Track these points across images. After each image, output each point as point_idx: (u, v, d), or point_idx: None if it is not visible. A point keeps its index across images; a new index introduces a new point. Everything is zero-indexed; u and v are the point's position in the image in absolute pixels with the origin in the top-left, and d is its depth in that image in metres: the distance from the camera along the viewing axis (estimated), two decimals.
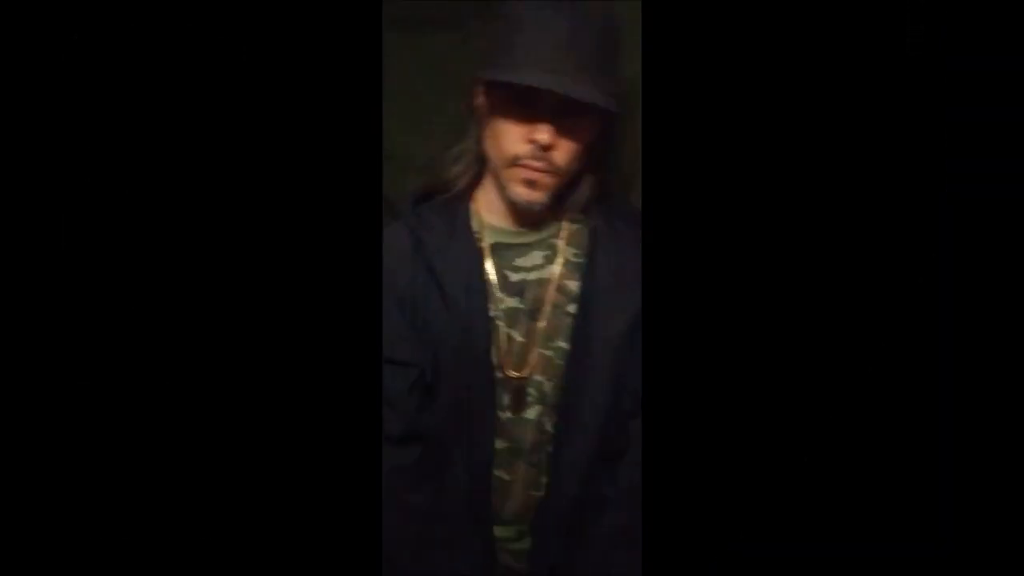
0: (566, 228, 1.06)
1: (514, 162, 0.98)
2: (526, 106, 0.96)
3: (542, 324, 1.03)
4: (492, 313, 1.03)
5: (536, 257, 1.05)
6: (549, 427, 1.04)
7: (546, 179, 0.99)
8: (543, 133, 0.95)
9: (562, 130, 0.96)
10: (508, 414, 1.04)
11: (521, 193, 0.99)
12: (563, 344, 1.03)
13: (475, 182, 1.07)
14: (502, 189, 1.01)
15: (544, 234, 1.06)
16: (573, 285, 1.04)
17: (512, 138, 0.98)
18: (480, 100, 1.02)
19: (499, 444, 1.04)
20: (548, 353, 1.03)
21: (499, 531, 1.05)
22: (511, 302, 1.04)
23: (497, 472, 1.04)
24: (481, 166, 1.05)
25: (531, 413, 1.04)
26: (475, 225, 1.06)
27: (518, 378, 1.03)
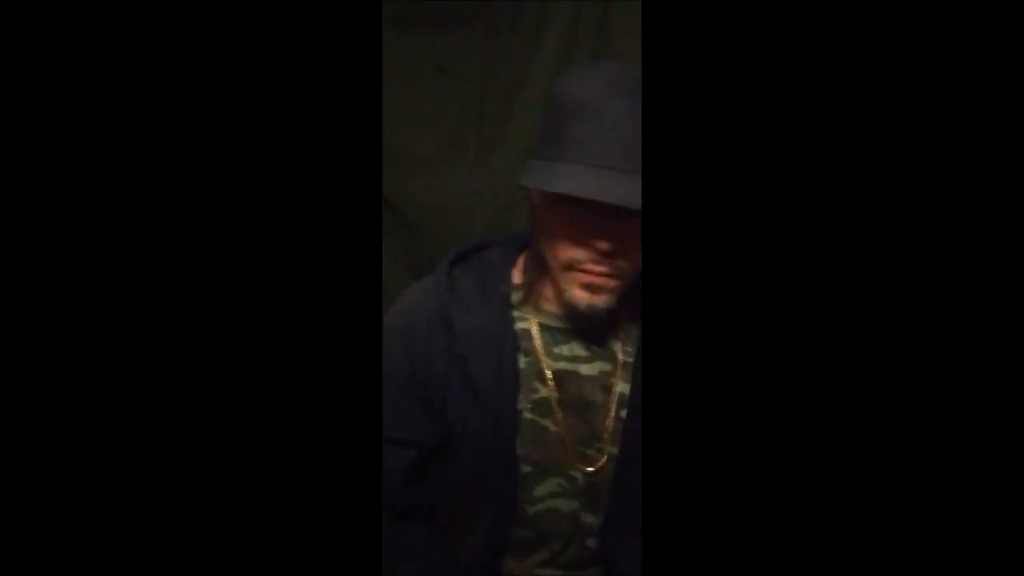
0: (623, 325, 0.96)
1: (572, 267, 0.88)
2: (585, 209, 0.83)
3: (580, 423, 0.94)
4: (521, 405, 0.93)
5: (577, 348, 0.95)
6: (588, 519, 0.96)
7: (610, 283, 0.88)
8: (605, 241, 0.85)
9: (628, 233, 0.85)
10: (540, 506, 0.96)
11: (581, 297, 0.89)
12: (609, 448, 0.95)
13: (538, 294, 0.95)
14: (559, 292, 0.91)
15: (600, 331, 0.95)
16: (621, 385, 0.95)
17: (569, 242, 0.87)
18: (534, 196, 0.91)
19: (520, 533, 0.96)
20: (591, 452, 0.95)
21: None
22: (544, 392, 0.94)
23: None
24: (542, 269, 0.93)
25: (569, 505, 0.96)
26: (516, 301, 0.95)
27: (590, 473, 0.94)
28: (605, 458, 0.94)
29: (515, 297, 0.95)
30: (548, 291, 0.95)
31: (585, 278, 0.88)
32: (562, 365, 0.95)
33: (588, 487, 0.95)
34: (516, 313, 0.95)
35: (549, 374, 0.94)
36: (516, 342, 0.94)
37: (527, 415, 0.94)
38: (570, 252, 0.87)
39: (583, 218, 0.85)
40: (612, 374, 0.95)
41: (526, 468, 0.94)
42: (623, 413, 0.94)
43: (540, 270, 0.94)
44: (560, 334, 0.95)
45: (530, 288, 0.95)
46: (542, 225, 0.90)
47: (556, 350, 0.95)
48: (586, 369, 0.95)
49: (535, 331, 0.95)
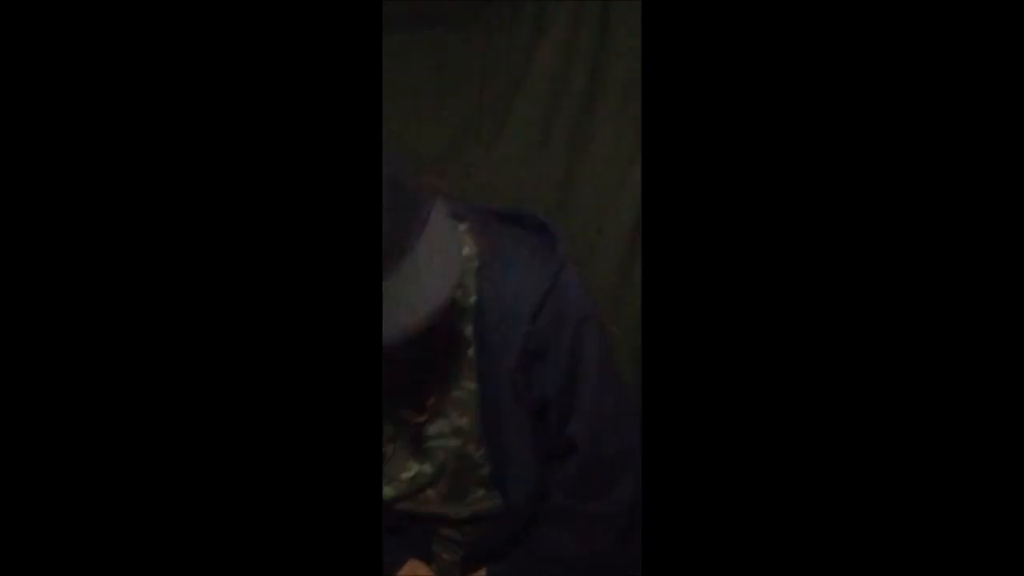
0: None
1: None
2: None
3: (443, 369, 1.04)
4: None
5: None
6: (473, 452, 1.05)
7: None
8: None
9: None
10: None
11: None
12: (471, 384, 1.04)
13: None
14: None
15: None
16: (467, 330, 1.03)
17: None
18: None
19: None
20: (458, 394, 1.04)
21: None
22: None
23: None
24: None
25: (442, 442, 1.06)
26: None
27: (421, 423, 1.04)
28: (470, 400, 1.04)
29: None
30: None
31: None
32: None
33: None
34: None
35: None
36: None
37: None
38: None
39: None
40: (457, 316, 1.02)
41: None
42: (468, 352, 1.03)
43: None
44: None
45: None
46: None
47: None
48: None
49: None
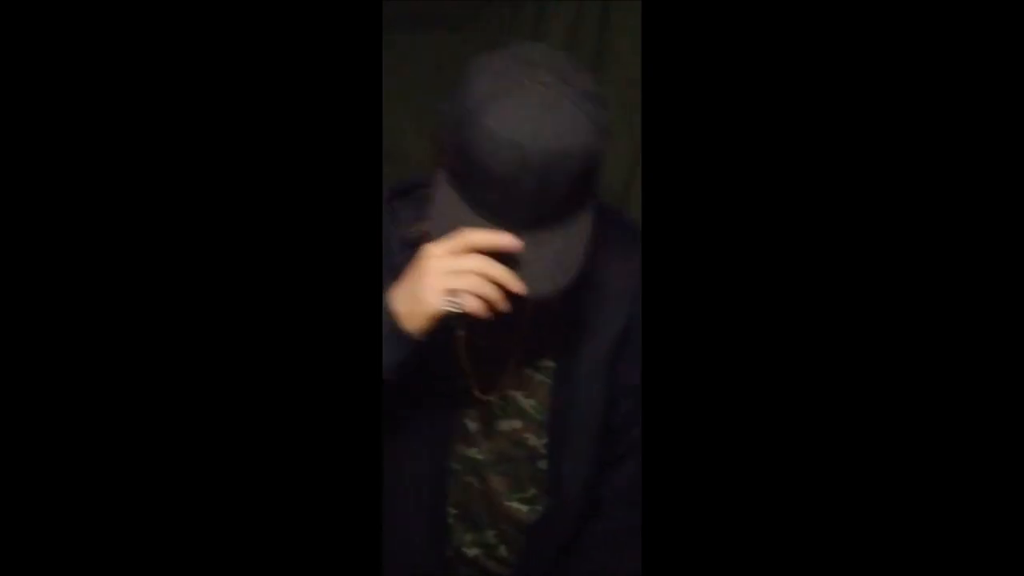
0: (533, 378, 0.99)
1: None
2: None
3: (516, 339, 0.98)
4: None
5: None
6: (533, 442, 1.01)
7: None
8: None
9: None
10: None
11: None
12: (549, 362, 0.99)
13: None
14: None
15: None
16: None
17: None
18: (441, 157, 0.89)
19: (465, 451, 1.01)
20: (529, 371, 0.99)
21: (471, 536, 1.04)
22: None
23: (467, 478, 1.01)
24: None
25: (504, 426, 1.00)
26: None
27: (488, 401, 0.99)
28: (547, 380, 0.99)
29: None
30: None
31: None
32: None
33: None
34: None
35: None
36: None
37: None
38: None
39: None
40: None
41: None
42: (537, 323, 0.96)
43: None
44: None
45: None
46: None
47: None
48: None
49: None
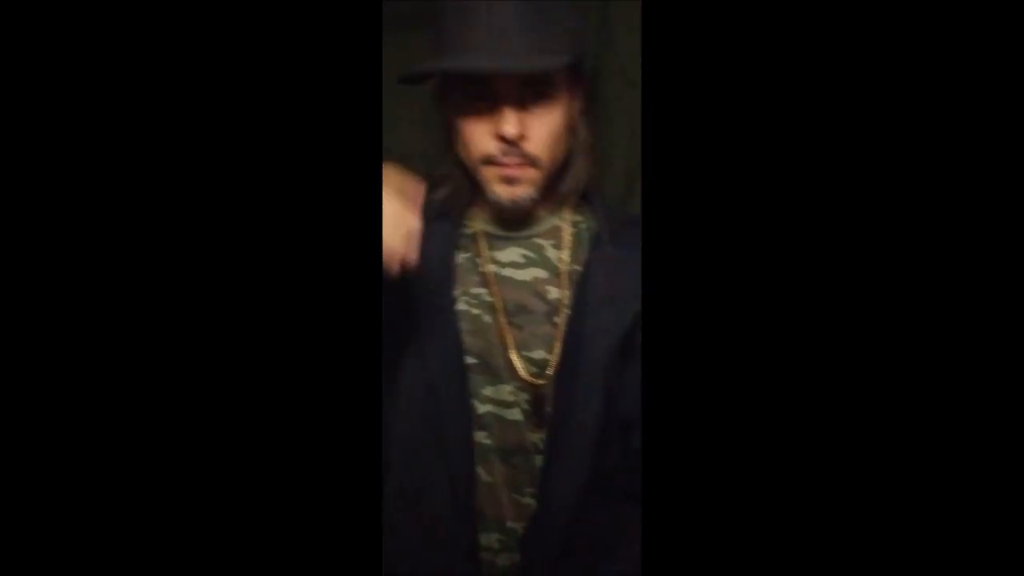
0: (563, 230, 1.00)
1: (487, 161, 0.92)
2: (485, 98, 0.90)
3: (514, 328, 0.97)
4: (461, 296, 0.97)
5: (513, 254, 0.99)
6: (535, 438, 0.97)
7: (527, 173, 0.92)
8: (509, 124, 0.89)
9: (530, 117, 0.91)
10: (488, 407, 0.98)
11: (502, 192, 0.93)
12: (544, 354, 0.97)
13: (471, 201, 1.00)
14: (484, 193, 0.95)
15: (532, 230, 1.00)
16: (555, 292, 0.98)
17: (479, 137, 0.92)
18: (440, 103, 0.96)
19: (478, 437, 0.97)
20: (521, 363, 0.97)
21: (482, 538, 0.98)
22: (481, 292, 0.98)
23: (477, 468, 0.97)
24: (468, 176, 0.98)
25: (514, 414, 0.98)
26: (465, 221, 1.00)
27: (525, 380, 0.96)
28: (545, 372, 0.97)
29: (440, 208, 0.99)
30: (483, 202, 0.99)
31: (502, 171, 0.92)
32: (497, 269, 0.99)
33: (532, 400, 0.98)
34: (465, 225, 1.01)
35: (490, 270, 0.98)
36: (456, 241, 0.99)
37: (463, 307, 0.97)
38: (482, 147, 0.91)
39: (487, 108, 0.90)
40: (547, 281, 0.99)
41: (471, 360, 0.97)
42: (556, 319, 0.97)
43: (464, 177, 0.98)
44: (499, 240, 1.00)
45: (454, 196, 1.00)
46: (455, 131, 0.94)
47: (495, 255, 0.99)
48: (521, 275, 0.99)
49: (478, 235, 1.00)
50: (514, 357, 0.96)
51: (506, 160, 0.91)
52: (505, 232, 1.00)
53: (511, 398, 0.98)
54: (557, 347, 0.96)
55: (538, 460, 0.98)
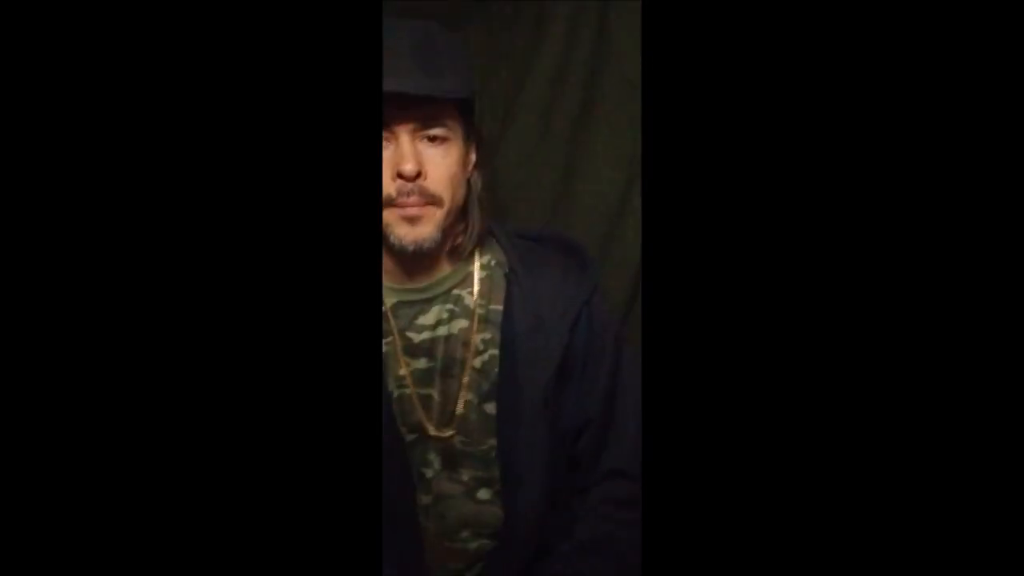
0: (473, 274, 1.01)
1: (388, 203, 0.92)
2: (383, 140, 0.91)
3: (457, 382, 0.99)
4: (401, 374, 0.99)
5: (439, 312, 1.00)
6: (485, 495, 1.01)
7: (427, 211, 0.92)
8: (407, 162, 0.90)
9: (427, 156, 0.92)
10: (433, 471, 1.01)
11: (404, 234, 0.92)
12: (486, 405, 0.99)
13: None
14: (388, 240, 0.94)
15: (446, 285, 1.00)
16: (481, 339, 0.99)
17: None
18: None
19: (424, 500, 1.00)
20: (471, 415, 0.99)
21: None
22: (419, 364, 1.00)
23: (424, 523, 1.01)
24: None
25: (464, 475, 1.01)
26: None
27: (446, 438, 0.99)
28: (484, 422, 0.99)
29: None
30: (388, 263, 0.98)
31: (403, 211, 0.92)
32: (425, 335, 0.99)
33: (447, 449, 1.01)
34: None
35: (416, 344, 0.99)
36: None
37: (407, 388, 0.99)
38: (384, 189, 0.91)
39: (385, 149, 0.91)
40: (470, 329, 1.00)
41: (409, 437, 1.00)
42: (476, 362, 0.99)
43: None
44: (416, 305, 1.00)
45: None
46: None
47: (417, 322, 1.00)
48: (444, 331, 1.00)
49: (391, 307, 0.99)
50: (423, 419, 1.00)
51: (407, 200, 0.92)
52: (420, 294, 1.00)
53: (433, 456, 1.01)
54: (470, 394, 0.99)
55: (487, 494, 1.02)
